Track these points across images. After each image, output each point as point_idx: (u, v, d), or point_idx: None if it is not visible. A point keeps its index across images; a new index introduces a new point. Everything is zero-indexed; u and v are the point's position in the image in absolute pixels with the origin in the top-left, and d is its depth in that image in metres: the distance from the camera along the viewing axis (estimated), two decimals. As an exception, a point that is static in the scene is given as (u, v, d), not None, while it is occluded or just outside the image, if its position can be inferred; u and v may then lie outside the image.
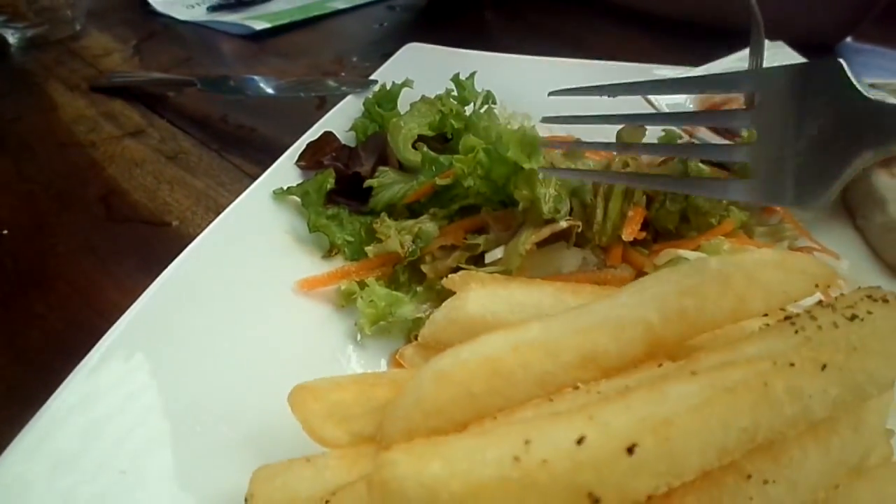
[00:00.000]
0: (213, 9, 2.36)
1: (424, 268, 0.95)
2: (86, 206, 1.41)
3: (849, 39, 1.86)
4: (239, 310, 0.94)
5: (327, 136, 1.20)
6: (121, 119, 1.75)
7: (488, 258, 0.95)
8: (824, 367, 0.52)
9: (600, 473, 0.47)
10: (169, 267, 0.93)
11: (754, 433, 0.51)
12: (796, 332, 0.56)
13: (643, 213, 0.96)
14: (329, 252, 1.06)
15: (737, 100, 1.24)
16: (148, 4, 2.44)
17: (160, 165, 1.54)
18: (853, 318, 0.55)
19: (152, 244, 1.30)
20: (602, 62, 1.41)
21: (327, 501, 0.60)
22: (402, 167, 1.14)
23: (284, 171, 1.18)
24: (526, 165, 0.92)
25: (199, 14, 2.35)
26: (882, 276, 1.04)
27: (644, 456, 0.48)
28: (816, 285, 0.62)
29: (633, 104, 1.07)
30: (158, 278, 0.91)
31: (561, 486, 0.47)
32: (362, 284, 0.97)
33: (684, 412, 0.50)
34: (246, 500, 0.64)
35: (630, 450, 0.48)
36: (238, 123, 1.68)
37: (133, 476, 0.72)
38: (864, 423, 0.57)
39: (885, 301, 0.56)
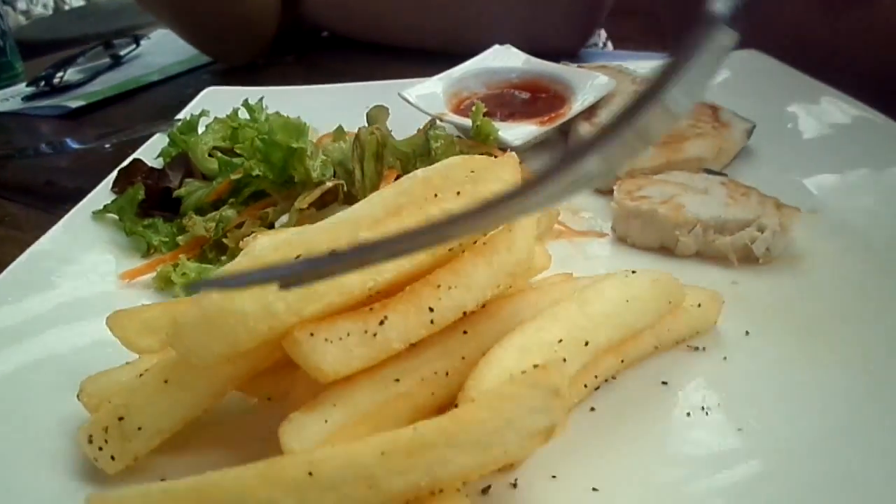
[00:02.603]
0: (27, 98, 2.47)
1: (226, 240, 1.16)
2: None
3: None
4: (71, 300, 1.10)
5: (136, 163, 1.39)
6: (-61, 200, 1.83)
7: (277, 224, 1.17)
8: (458, 193, 0.78)
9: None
10: (7, 268, 1.09)
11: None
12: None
13: (396, 172, 1.22)
14: (147, 252, 1.24)
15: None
16: (-40, 104, 2.51)
17: (-12, 230, 1.64)
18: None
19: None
20: (362, 83, 1.75)
21: (141, 374, 0.78)
22: (205, 177, 1.34)
23: (102, 198, 1.35)
24: (294, 145, 1.16)
25: (14, 105, 2.44)
26: (588, 194, 1.36)
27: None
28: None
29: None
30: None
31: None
32: (176, 266, 1.15)
33: (368, 233, 0.74)
34: (77, 396, 0.81)
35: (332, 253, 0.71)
36: (62, 183, 1.81)
37: None
38: (514, 244, 0.83)
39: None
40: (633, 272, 0.87)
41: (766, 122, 1.44)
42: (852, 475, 0.74)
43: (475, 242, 0.83)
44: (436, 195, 0.81)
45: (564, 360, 0.74)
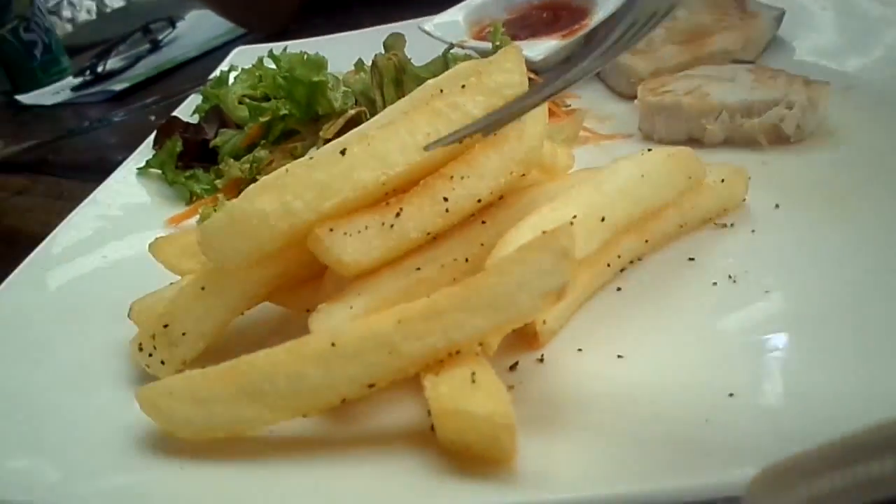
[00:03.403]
0: (76, 88, 2.58)
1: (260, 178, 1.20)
2: (-13, 250, 1.61)
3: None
4: (123, 246, 1.16)
5: (173, 119, 1.45)
6: (7, 186, 1.94)
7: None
8: (463, 86, 0.79)
9: (329, 171, 0.73)
10: (59, 225, 1.16)
11: (437, 134, 0.78)
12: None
13: (417, 96, 1.23)
14: (191, 200, 1.30)
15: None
16: (17, 102, 2.64)
17: (49, 205, 1.74)
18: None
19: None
20: (382, 26, 1.76)
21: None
22: (238, 126, 1.39)
23: (146, 157, 1.42)
24: (315, 79, 1.19)
25: (64, 96, 2.57)
26: (614, 101, 1.34)
27: (354, 155, 0.74)
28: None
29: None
30: (54, 231, 1.14)
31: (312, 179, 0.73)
32: (216, 207, 1.20)
33: (377, 131, 0.76)
34: (128, 315, 0.87)
35: (342, 152, 0.74)
36: (114, 158, 1.89)
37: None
38: (524, 132, 0.84)
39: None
40: (649, 150, 0.87)
41: (796, 8, 1.39)
42: (878, 337, 0.72)
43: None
44: (441, 91, 0.83)
45: (571, 222, 0.75)
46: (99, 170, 1.87)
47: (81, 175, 1.86)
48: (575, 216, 0.78)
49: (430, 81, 0.93)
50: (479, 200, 0.81)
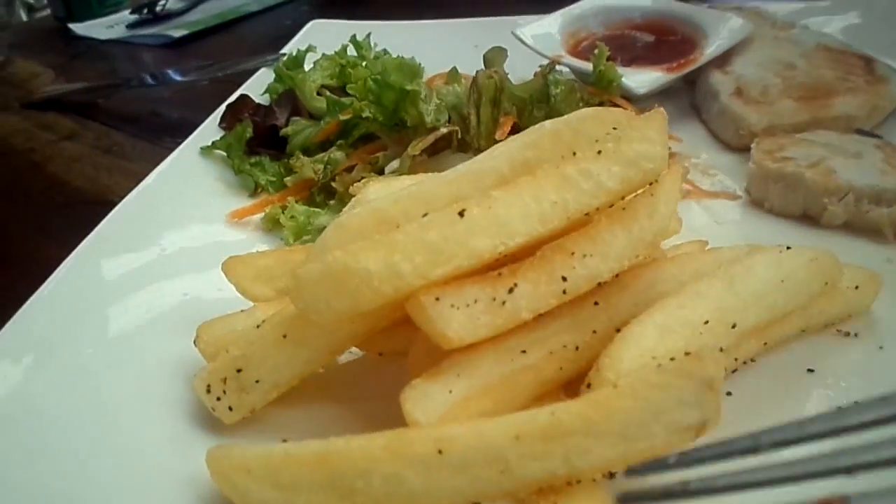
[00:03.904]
0: (131, 26, 2.49)
1: (335, 184, 1.12)
2: (31, 197, 1.54)
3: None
4: (181, 239, 1.09)
5: (244, 98, 1.36)
6: (55, 127, 1.87)
7: (387, 170, 1.12)
8: (599, 152, 0.71)
9: (443, 233, 0.65)
10: (116, 207, 1.09)
11: (564, 206, 0.70)
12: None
13: (513, 119, 1.15)
14: (255, 191, 1.22)
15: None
16: (69, 31, 2.55)
17: (97, 158, 1.67)
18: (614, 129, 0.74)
19: (97, 220, 1.43)
20: (472, 19, 1.65)
21: (258, 325, 0.76)
22: (312, 116, 1.30)
23: (210, 133, 1.34)
24: (408, 87, 1.10)
25: (118, 32, 2.47)
26: (718, 150, 1.25)
27: (473, 218, 0.66)
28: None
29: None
30: (111, 213, 1.07)
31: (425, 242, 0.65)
32: (284, 208, 1.13)
33: (500, 191, 0.68)
34: (194, 342, 0.80)
35: (461, 213, 0.66)
36: (167, 115, 1.83)
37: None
38: (656, 212, 0.76)
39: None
40: (788, 248, 0.78)
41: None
42: None
43: (612, 206, 0.75)
44: (574, 153, 0.74)
45: (721, 349, 0.67)
46: (150, 126, 1.80)
47: (131, 128, 1.79)
48: (707, 321, 0.70)
49: (547, 125, 0.83)
50: (600, 284, 0.73)
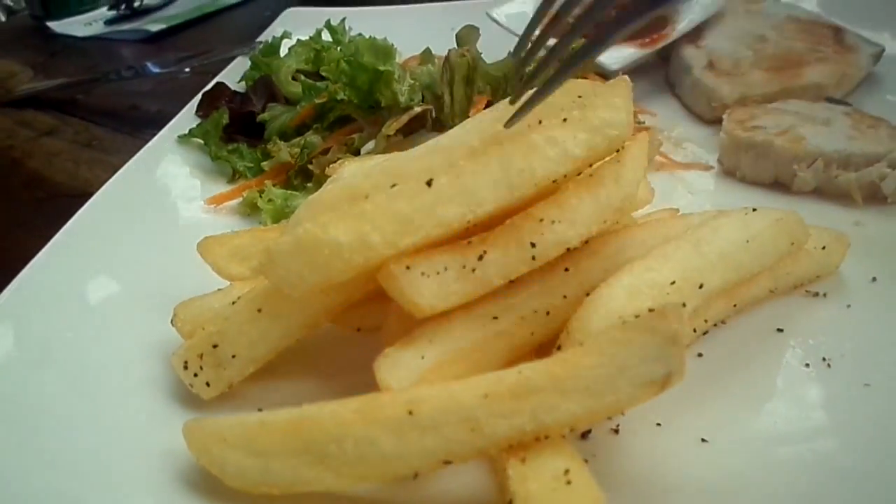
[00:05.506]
0: (109, 22, 2.48)
1: (312, 167, 1.13)
2: (11, 193, 1.54)
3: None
4: (159, 225, 1.10)
5: (220, 86, 1.37)
6: (34, 123, 1.86)
7: (363, 151, 1.13)
8: (565, 119, 0.71)
9: (412, 203, 0.66)
10: (97, 194, 1.09)
11: (531, 173, 0.71)
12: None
13: (487, 98, 1.15)
14: (232, 178, 1.22)
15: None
16: (47, 29, 2.54)
17: (77, 152, 1.67)
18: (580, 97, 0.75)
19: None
20: (447, 2, 1.66)
21: (233, 302, 0.77)
22: (288, 101, 1.31)
23: (186, 122, 1.34)
24: (381, 68, 1.10)
25: (97, 29, 2.46)
26: (692, 124, 1.26)
27: (441, 188, 0.67)
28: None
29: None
30: (88, 201, 1.07)
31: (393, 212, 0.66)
32: (262, 192, 1.13)
33: (467, 161, 0.69)
34: (171, 322, 0.81)
35: (429, 183, 0.67)
36: (146, 108, 1.82)
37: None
38: (622, 178, 0.77)
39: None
40: (754, 210, 0.79)
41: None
42: None
43: (580, 174, 0.76)
44: (539, 122, 0.75)
45: (684, 304, 0.68)
46: (130, 120, 1.79)
47: (111, 122, 1.79)
48: (673, 281, 0.71)
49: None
50: (568, 249, 0.74)
